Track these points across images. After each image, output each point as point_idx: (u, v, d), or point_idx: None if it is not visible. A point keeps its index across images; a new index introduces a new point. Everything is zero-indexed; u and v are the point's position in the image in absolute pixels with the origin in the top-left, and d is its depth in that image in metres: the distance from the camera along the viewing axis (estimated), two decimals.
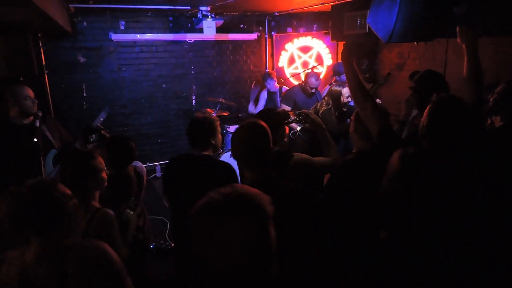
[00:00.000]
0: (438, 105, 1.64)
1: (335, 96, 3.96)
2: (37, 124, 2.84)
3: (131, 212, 2.31)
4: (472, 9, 2.65)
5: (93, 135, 2.82)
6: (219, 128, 2.45)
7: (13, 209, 1.43)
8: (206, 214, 0.94)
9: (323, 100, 4.14)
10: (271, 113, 2.42)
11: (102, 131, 2.89)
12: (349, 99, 3.92)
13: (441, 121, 1.59)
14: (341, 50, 2.14)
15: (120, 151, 2.56)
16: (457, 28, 2.17)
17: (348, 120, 3.92)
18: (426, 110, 1.66)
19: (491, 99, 2.41)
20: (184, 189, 2.31)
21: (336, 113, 3.97)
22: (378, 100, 3.43)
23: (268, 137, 1.66)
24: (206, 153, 2.40)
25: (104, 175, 2.09)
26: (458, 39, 2.18)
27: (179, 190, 2.38)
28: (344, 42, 2.22)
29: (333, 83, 4.80)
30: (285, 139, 2.47)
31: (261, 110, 2.79)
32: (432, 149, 1.61)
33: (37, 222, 1.42)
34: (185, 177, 2.36)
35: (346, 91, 3.94)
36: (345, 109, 3.98)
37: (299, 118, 2.47)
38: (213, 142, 2.39)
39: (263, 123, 1.69)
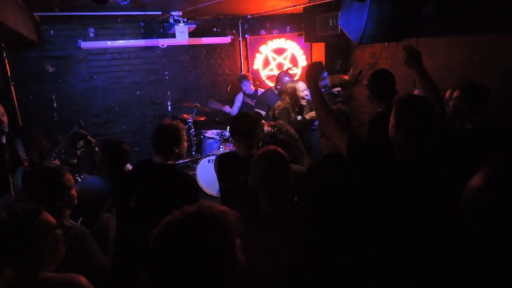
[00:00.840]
0: (401, 104, 1.67)
1: (291, 92, 3.98)
2: (3, 140, 2.73)
3: (108, 215, 2.28)
4: (439, 9, 2.71)
5: (81, 141, 2.83)
6: (185, 137, 2.44)
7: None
8: (168, 234, 0.91)
9: (280, 100, 4.15)
10: (246, 118, 2.44)
11: (89, 137, 2.87)
12: (305, 92, 3.94)
13: (407, 117, 1.61)
14: (305, 70, 2.09)
15: (116, 154, 2.58)
16: (402, 53, 2.25)
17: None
18: (392, 113, 1.68)
19: (451, 104, 2.50)
20: (142, 198, 2.30)
21: (297, 109, 4.01)
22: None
23: (288, 168, 1.66)
24: (170, 162, 2.38)
25: (73, 192, 2.01)
26: (404, 63, 2.25)
27: (137, 199, 2.34)
28: (307, 65, 2.16)
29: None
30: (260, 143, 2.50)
31: (236, 115, 2.79)
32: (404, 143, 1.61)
33: (11, 252, 1.33)
34: (146, 186, 2.33)
35: (300, 85, 3.96)
36: (304, 103, 4.02)
37: (273, 130, 2.49)
38: (177, 150, 2.37)
39: (283, 152, 1.69)
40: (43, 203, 1.80)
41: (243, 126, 2.36)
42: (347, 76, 5.30)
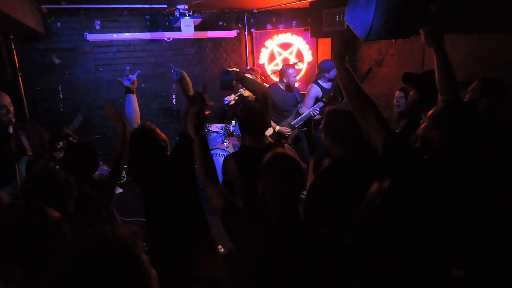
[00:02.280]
0: (450, 115, 1.51)
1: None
2: (10, 130, 2.77)
3: None
4: (448, 6, 2.69)
5: (60, 142, 2.80)
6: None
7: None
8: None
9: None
10: (256, 110, 2.49)
11: (70, 138, 2.82)
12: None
13: (456, 134, 1.47)
14: (334, 47, 2.00)
15: (82, 162, 2.34)
16: (421, 31, 2.05)
17: None
18: (433, 117, 1.54)
19: (467, 96, 2.47)
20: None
21: None
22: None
23: (301, 177, 1.52)
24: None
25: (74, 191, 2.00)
26: (423, 41, 2.07)
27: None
28: (336, 37, 2.01)
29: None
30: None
31: (244, 110, 2.82)
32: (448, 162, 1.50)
33: (25, 254, 1.29)
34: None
35: None
36: None
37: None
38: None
39: (297, 159, 1.55)
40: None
41: (257, 119, 2.38)
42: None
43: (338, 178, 1.89)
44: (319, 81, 4.85)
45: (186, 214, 2.47)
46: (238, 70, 3.03)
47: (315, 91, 4.77)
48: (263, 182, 1.50)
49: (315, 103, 4.65)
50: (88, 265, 0.81)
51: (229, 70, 2.99)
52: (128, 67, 2.88)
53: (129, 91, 2.75)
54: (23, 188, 1.88)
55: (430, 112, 1.60)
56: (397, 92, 3.47)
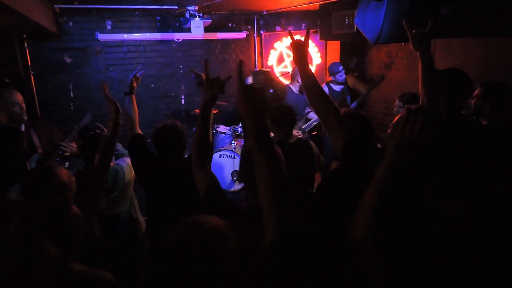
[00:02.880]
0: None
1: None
2: (22, 128, 2.81)
3: None
4: (458, 10, 2.68)
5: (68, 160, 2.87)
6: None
7: (23, 229, 1.35)
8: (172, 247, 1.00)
9: None
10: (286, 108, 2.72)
11: (97, 130, 2.86)
12: None
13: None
14: (292, 53, 1.81)
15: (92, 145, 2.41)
16: (410, 35, 1.97)
17: None
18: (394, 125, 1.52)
19: (472, 102, 2.47)
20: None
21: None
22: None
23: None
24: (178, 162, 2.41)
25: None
26: (411, 46, 2.00)
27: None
28: (292, 43, 1.85)
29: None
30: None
31: (275, 108, 2.95)
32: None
33: (50, 246, 1.34)
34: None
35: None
36: None
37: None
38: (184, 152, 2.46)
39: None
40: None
41: (288, 115, 2.64)
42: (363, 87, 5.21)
43: (346, 180, 1.90)
44: (330, 83, 4.86)
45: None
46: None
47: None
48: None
49: None
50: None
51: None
52: (139, 67, 2.89)
53: (130, 92, 2.75)
54: (24, 184, 1.89)
55: (393, 120, 1.58)
56: (396, 101, 3.43)
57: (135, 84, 2.73)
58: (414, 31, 1.96)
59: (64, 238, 1.38)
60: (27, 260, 1.33)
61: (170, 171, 2.40)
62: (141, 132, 2.59)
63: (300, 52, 1.74)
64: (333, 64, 4.94)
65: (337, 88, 4.79)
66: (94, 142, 2.40)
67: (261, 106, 1.16)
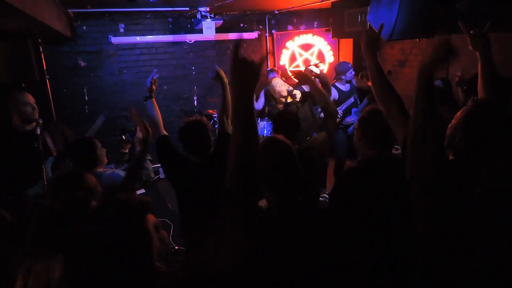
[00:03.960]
0: (475, 114, 1.44)
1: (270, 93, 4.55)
2: (38, 131, 2.84)
3: None
4: (474, 5, 2.61)
5: (127, 134, 2.96)
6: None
7: (44, 225, 1.41)
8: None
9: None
10: (287, 115, 2.60)
11: (133, 128, 2.97)
12: (281, 87, 4.61)
13: (477, 135, 1.41)
14: (362, 44, 1.83)
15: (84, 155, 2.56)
16: (468, 35, 1.96)
17: None
18: (459, 117, 1.49)
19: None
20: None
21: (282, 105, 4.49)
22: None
23: (295, 159, 1.51)
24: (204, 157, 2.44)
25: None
26: (470, 47, 1.99)
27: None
28: (364, 35, 1.89)
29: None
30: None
31: (279, 114, 2.83)
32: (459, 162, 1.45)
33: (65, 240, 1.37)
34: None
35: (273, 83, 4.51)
36: (285, 94, 4.36)
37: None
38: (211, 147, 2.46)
39: (289, 142, 1.54)
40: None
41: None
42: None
43: (364, 178, 1.86)
44: (336, 84, 4.76)
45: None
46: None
47: (332, 94, 4.70)
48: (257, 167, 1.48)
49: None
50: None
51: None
52: (155, 70, 2.93)
53: (150, 95, 2.77)
54: (50, 187, 1.97)
55: (459, 112, 1.55)
56: None
57: (154, 87, 2.76)
58: (471, 32, 1.96)
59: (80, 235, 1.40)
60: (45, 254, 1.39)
61: (197, 167, 2.44)
62: (166, 133, 2.63)
63: (373, 44, 1.80)
64: (340, 64, 4.84)
65: (344, 87, 4.69)
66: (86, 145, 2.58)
67: (250, 76, 1.23)
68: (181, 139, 2.49)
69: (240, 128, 1.24)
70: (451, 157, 1.51)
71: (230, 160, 1.26)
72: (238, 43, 1.29)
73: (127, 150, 2.98)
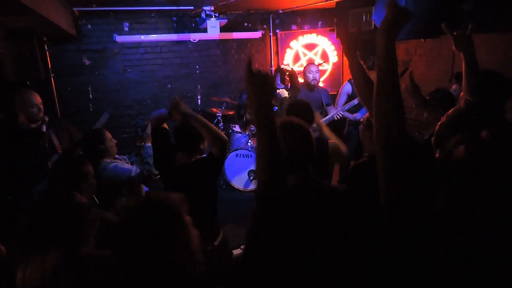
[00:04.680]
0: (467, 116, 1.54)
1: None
2: (44, 129, 2.86)
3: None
4: (480, 5, 2.61)
5: (138, 128, 3.00)
6: None
7: (32, 219, 1.44)
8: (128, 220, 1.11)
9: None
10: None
11: (146, 123, 3.01)
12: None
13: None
14: (342, 43, 1.92)
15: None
16: (453, 38, 1.99)
17: None
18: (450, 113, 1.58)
19: None
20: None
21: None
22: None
23: (310, 136, 1.57)
24: (194, 159, 2.41)
25: (93, 181, 2.14)
26: (454, 47, 2.02)
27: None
28: (344, 34, 1.90)
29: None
30: None
31: (292, 104, 2.91)
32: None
33: (56, 232, 1.43)
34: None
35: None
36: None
37: None
38: (202, 147, 2.42)
39: (303, 122, 1.61)
40: (70, 188, 1.92)
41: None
42: None
43: (371, 173, 1.87)
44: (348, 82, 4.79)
45: (201, 217, 2.48)
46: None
47: (346, 88, 4.68)
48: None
49: (347, 101, 4.58)
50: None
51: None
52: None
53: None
54: (52, 170, 2.11)
55: (450, 111, 1.60)
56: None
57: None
58: (455, 33, 1.98)
59: (71, 225, 1.46)
60: (39, 246, 1.43)
61: (182, 168, 2.43)
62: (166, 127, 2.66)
63: (352, 43, 1.84)
64: None
65: None
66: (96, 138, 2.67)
67: (265, 88, 1.26)
68: (173, 134, 2.49)
69: (266, 141, 1.26)
70: (437, 155, 1.54)
71: (258, 174, 1.29)
72: (250, 59, 1.33)
73: (140, 143, 3.02)
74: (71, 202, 1.49)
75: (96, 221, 1.61)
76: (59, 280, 1.40)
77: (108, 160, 2.71)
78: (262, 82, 1.26)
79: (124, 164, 2.80)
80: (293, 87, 4.48)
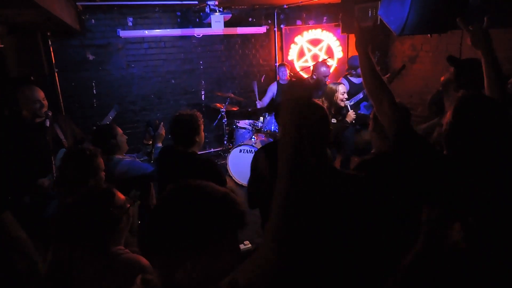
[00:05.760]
0: (464, 106, 1.49)
1: (329, 94, 3.88)
2: (47, 123, 2.86)
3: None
4: (488, 0, 2.56)
5: (150, 128, 3.00)
6: (202, 126, 2.50)
7: (70, 217, 1.45)
8: (167, 204, 0.93)
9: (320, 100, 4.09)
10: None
11: (157, 121, 3.05)
12: (345, 95, 3.84)
13: (466, 128, 1.46)
14: (355, 36, 1.82)
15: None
16: (469, 33, 1.86)
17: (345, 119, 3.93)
18: (450, 111, 1.52)
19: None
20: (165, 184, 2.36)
21: (333, 111, 3.92)
22: None
23: (327, 118, 1.56)
24: (190, 150, 2.43)
25: (102, 174, 2.13)
26: (469, 42, 1.88)
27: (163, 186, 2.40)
28: (357, 26, 1.85)
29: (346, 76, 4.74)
30: None
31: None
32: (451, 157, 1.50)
33: (92, 230, 1.44)
34: (170, 174, 2.41)
35: (341, 88, 3.86)
36: (343, 105, 3.92)
37: None
38: (197, 140, 2.44)
39: (320, 103, 1.61)
40: (77, 182, 1.91)
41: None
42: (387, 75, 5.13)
43: (376, 171, 1.85)
44: (348, 76, 4.75)
45: None
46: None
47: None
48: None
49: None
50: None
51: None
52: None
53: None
54: (61, 164, 2.08)
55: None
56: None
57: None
58: (471, 28, 1.85)
59: (107, 225, 1.46)
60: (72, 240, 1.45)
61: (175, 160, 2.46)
62: None
63: (366, 38, 1.77)
64: (354, 58, 4.82)
65: (356, 81, 4.68)
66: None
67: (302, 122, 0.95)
68: (169, 128, 2.52)
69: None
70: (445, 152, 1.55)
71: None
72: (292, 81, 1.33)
73: (150, 142, 3.01)
74: (111, 201, 1.49)
75: (130, 221, 1.61)
76: (84, 271, 1.42)
77: (120, 156, 2.71)
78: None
79: (138, 162, 2.81)
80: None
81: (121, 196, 1.56)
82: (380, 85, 1.67)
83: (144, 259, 1.49)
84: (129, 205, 1.56)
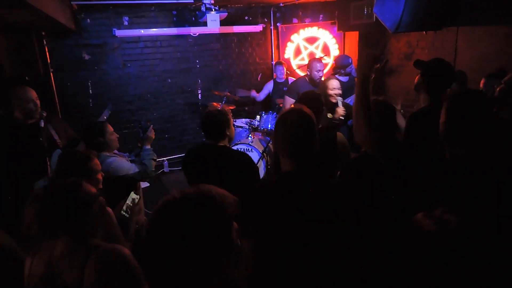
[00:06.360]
0: (455, 102, 1.55)
1: (322, 89, 3.85)
2: (42, 124, 2.84)
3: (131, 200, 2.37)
4: None
5: (140, 130, 3.02)
6: (232, 120, 2.54)
7: (41, 209, 1.49)
8: (166, 214, 0.92)
9: None
10: (313, 98, 2.61)
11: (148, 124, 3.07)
12: (336, 91, 3.78)
13: (460, 124, 1.52)
14: (359, 60, 1.89)
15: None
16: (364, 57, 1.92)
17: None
18: (443, 111, 1.58)
19: (498, 89, 2.34)
20: (203, 178, 2.34)
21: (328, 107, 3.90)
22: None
23: (313, 127, 1.55)
24: (221, 144, 2.47)
25: (99, 176, 2.13)
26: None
27: (199, 180, 2.38)
28: (367, 54, 1.88)
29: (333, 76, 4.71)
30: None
31: (303, 94, 2.91)
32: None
33: (64, 221, 1.47)
34: (205, 167, 2.43)
35: (330, 83, 3.80)
36: (334, 101, 3.86)
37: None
38: (228, 133, 2.48)
39: (309, 111, 1.58)
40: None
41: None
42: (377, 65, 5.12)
43: (363, 169, 1.87)
44: (337, 76, 4.73)
45: None
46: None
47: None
48: (276, 136, 1.57)
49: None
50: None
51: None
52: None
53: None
54: (57, 166, 2.12)
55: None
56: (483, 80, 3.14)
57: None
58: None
59: (78, 213, 1.49)
60: (47, 233, 1.49)
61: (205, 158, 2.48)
62: None
63: (371, 64, 1.84)
64: (341, 58, 4.77)
65: (343, 79, 4.64)
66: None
67: None
68: (201, 122, 2.56)
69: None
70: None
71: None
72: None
73: (140, 144, 3.03)
74: (79, 189, 1.51)
75: (103, 211, 1.63)
76: (64, 265, 1.44)
77: (108, 154, 2.71)
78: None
79: (123, 161, 2.79)
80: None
81: (91, 188, 1.57)
82: (364, 114, 1.72)
83: (125, 248, 1.52)
84: (102, 198, 1.58)
